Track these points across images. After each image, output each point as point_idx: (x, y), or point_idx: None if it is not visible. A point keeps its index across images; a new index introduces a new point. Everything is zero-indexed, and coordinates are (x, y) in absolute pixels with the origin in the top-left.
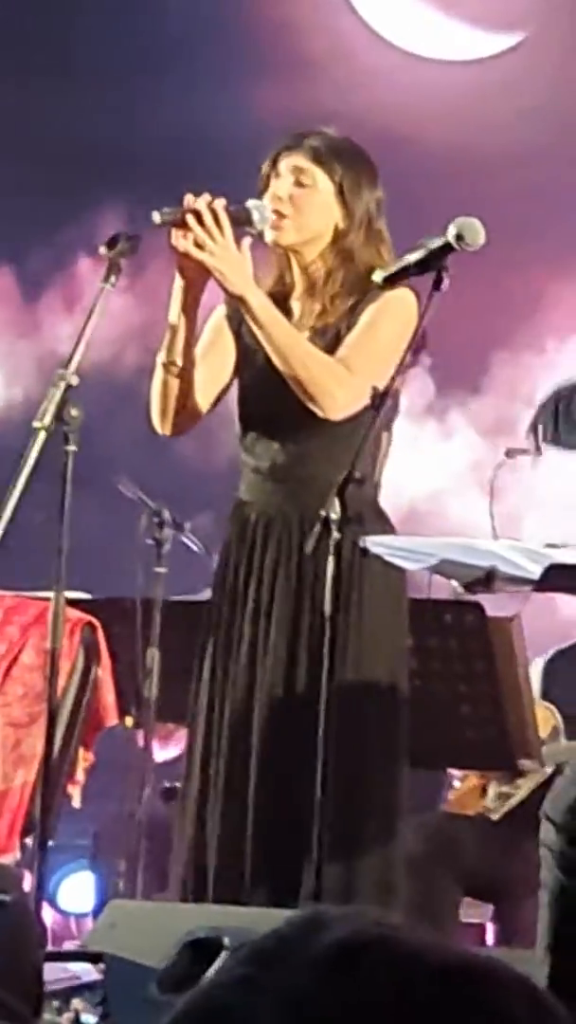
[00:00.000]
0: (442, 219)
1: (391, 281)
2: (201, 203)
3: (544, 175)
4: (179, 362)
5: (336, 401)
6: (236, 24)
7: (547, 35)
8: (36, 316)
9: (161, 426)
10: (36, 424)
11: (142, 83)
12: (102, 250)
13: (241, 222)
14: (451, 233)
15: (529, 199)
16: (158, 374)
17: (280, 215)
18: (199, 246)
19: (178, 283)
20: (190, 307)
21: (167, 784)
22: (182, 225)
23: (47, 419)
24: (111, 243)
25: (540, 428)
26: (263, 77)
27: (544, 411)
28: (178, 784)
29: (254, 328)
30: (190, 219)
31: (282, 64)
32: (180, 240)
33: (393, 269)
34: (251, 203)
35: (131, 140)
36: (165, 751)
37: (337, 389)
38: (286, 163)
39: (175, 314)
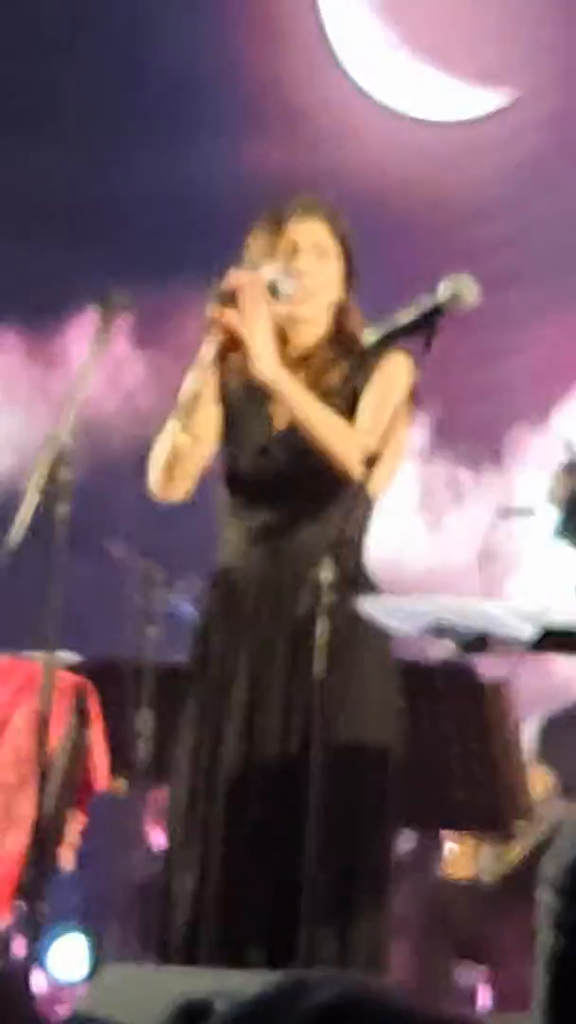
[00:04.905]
0: (424, 275)
1: (383, 344)
2: (246, 280)
3: (522, 227)
4: (197, 429)
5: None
6: (225, 79)
7: (530, 97)
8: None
9: (165, 491)
10: (28, 486)
11: (130, 136)
12: (95, 308)
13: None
14: (445, 294)
15: (508, 251)
16: (170, 438)
17: (305, 290)
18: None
19: (210, 351)
20: (214, 376)
21: None
22: (231, 302)
23: (40, 481)
24: (103, 301)
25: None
26: (253, 132)
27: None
28: None
29: (284, 407)
30: (239, 296)
31: (272, 120)
32: (226, 313)
33: (384, 333)
34: (274, 275)
35: (117, 194)
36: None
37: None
38: (304, 234)
39: (201, 380)
